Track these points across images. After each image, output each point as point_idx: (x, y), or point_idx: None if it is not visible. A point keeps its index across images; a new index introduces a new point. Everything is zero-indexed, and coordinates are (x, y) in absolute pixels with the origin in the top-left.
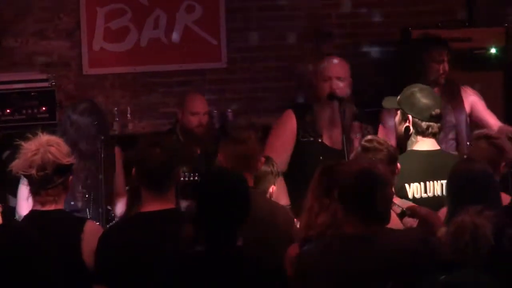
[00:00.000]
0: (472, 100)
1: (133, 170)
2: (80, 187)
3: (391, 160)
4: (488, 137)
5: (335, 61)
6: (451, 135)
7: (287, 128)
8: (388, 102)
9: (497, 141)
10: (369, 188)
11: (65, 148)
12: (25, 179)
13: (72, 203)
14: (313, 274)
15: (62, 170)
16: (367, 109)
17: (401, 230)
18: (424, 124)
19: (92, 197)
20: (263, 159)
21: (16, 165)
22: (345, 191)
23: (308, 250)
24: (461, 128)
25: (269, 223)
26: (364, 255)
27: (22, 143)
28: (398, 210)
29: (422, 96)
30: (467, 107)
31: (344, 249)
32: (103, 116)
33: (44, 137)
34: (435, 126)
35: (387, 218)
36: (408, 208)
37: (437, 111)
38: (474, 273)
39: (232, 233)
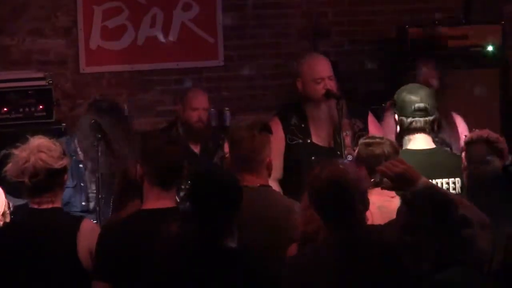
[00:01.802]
0: (462, 129)
1: (139, 166)
2: (93, 188)
3: (396, 151)
4: (488, 141)
5: (322, 60)
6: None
7: (275, 137)
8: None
9: (498, 144)
10: (342, 195)
11: (56, 151)
12: None
13: (84, 203)
14: (303, 284)
15: (55, 174)
16: (363, 106)
17: (383, 225)
18: (407, 120)
19: (104, 197)
20: (269, 159)
21: (9, 170)
22: (318, 199)
23: (295, 259)
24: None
25: (276, 223)
26: (351, 259)
27: (13, 150)
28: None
29: (409, 92)
30: (460, 134)
31: (330, 255)
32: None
33: (34, 142)
34: (419, 120)
35: (365, 209)
36: (378, 171)
37: (420, 105)
38: (468, 271)
39: (223, 230)
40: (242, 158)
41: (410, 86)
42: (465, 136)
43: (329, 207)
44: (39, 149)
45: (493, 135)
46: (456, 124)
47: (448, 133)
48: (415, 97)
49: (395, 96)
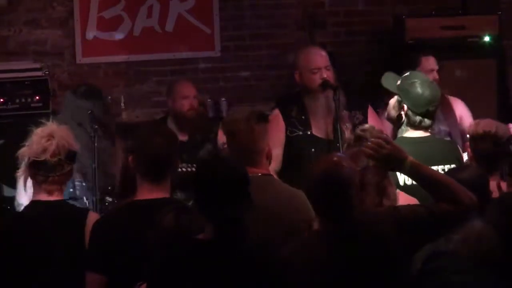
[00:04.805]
0: (460, 112)
1: (130, 158)
2: (78, 176)
3: None
4: (496, 137)
5: (318, 51)
6: None
7: (276, 129)
8: (388, 81)
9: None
10: (336, 189)
11: (72, 135)
12: (22, 168)
13: (71, 190)
14: (295, 276)
15: (72, 156)
16: (363, 99)
17: (373, 213)
18: (417, 118)
19: (90, 185)
20: (268, 148)
21: (26, 151)
22: (314, 194)
23: (289, 255)
24: (455, 136)
25: (279, 211)
26: (347, 252)
27: (34, 129)
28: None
29: (422, 88)
30: (458, 117)
31: (321, 247)
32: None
33: (54, 124)
34: (427, 121)
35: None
36: (365, 154)
37: (434, 107)
38: (460, 260)
39: (233, 220)
40: (242, 150)
41: (422, 78)
42: (470, 125)
43: (324, 201)
44: (60, 129)
45: (501, 130)
46: (453, 107)
47: (444, 120)
48: (429, 95)
49: (404, 84)
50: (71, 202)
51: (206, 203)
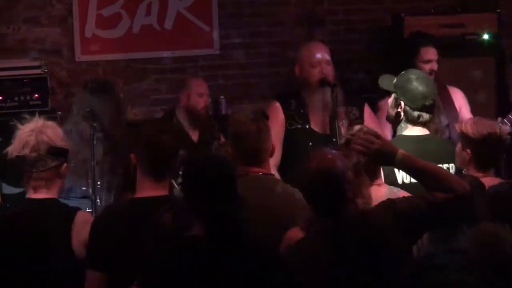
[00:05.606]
0: (460, 103)
1: (133, 155)
2: (90, 174)
3: None
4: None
5: (320, 46)
6: (445, 136)
7: (275, 121)
8: (385, 82)
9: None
10: (330, 185)
11: (60, 132)
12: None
13: (84, 188)
14: (294, 275)
15: (56, 152)
16: (360, 96)
17: (369, 208)
18: (415, 113)
19: (105, 184)
20: (272, 146)
21: (11, 148)
22: (308, 191)
23: (289, 254)
24: (453, 128)
25: (278, 211)
26: (344, 248)
27: (19, 125)
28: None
29: (418, 83)
30: (457, 108)
31: (320, 246)
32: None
33: (40, 121)
34: (426, 116)
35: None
36: (355, 150)
37: (431, 101)
38: (458, 257)
39: (224, 217)
40: (250, 151)
41: (418, 74)
42: (465, 126)
43: (319, 198)
44: (44, 125)
45: (503, 130)
46: (453, 99)
47: (443, 110)
48: (425, 90)
49: (400, 81)
50: (81, 200)
51: (196, 201)
